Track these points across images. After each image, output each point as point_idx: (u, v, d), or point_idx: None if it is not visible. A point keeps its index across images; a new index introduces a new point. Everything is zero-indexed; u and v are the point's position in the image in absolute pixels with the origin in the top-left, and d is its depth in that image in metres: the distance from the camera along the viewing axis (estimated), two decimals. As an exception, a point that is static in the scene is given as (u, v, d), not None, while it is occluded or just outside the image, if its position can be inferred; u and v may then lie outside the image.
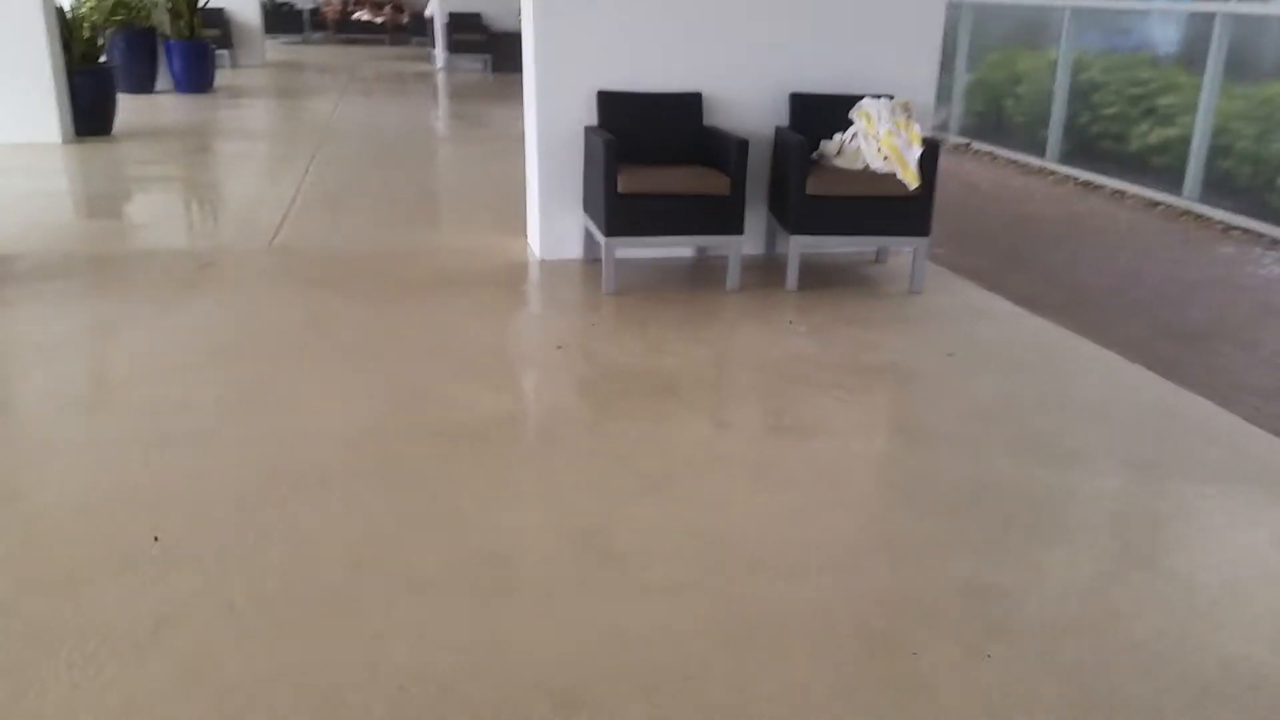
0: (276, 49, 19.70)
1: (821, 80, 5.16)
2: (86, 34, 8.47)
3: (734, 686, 2.02)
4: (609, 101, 4.94)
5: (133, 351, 3.79)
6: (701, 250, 5.34)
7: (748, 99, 5.15)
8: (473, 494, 2.79)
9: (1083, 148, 8.08)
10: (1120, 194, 7.36)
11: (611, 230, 4.58)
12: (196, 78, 11.87)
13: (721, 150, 4.76)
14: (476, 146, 9.36)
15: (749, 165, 4.98)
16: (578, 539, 2.56)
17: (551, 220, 5.14)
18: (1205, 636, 2.24)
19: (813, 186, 4.68)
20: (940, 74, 9.78)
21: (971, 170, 8.60)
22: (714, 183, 4.63)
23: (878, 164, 4.77)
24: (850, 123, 4.96)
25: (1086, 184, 7.73)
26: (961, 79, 9.82)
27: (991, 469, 3.04)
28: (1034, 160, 8.45)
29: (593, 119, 4.97)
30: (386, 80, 15.17)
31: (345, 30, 22.31)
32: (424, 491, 2.80)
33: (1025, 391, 3.68)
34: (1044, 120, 8.40)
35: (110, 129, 8.65)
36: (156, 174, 7.35)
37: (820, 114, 5.06)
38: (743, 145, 4.62)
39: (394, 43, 22.43)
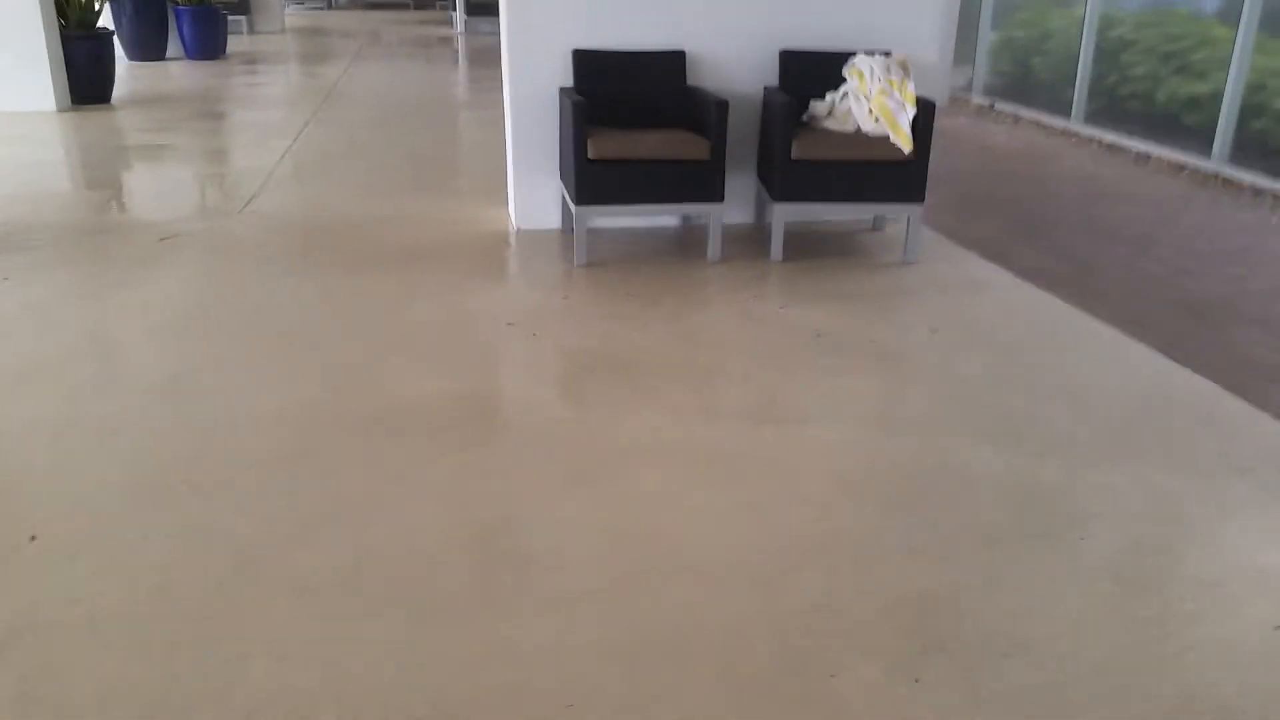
0: (300, 14, 19.59)
1: (815, 36, 4.85)
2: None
3: (620, 714, 1.80)
4: (584, 60, 4.67)
5: (67, 330, 3.62)
6: (687, 219, 5.07)
7: (735, 57, 4.86)
8: (385, 487, 2.58)
9: (1109, 109, 7.65)
10: (1145, 157, 6.95)
11: (581, 198, 4.33)
12: (207, 44, 11.72)
13: (703, 112, 4.48)
14: (482, 112, 9.10)
15: (736, 128, 4.75)
16: (484, 539, 2.35)
17: (528, 188, 4.90)
18: (1171, 659, 1.98)
19: (798, 150, 4.39)
20: (964, 32, 9.37)
21: (992, 132, 8.20)
22: (691, 147, 4.35)
23: (869, 126, 4.47)
24: (843, 81, 4.66)
25: (1111, 146, 7.31)
26: (986, 37, 9.37)
27: (956, 459, 2.78)
28: (1058, 122, 8.02)
29: (568, 80, 4.71)
30: (403, 44, 14.95)
31: (370, -5, 22.07)
32: (334, 484, 2.60)
33: (1010, 372, 3.40)
34: (1070, 80, 7.97)
35: (109, 96, 8.52)
36: (147, 142, 7.20)
37: (812, 72, 4.76)
38: (721, 106, 4.33)
39: (419, 6, 22.18)
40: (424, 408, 3.03)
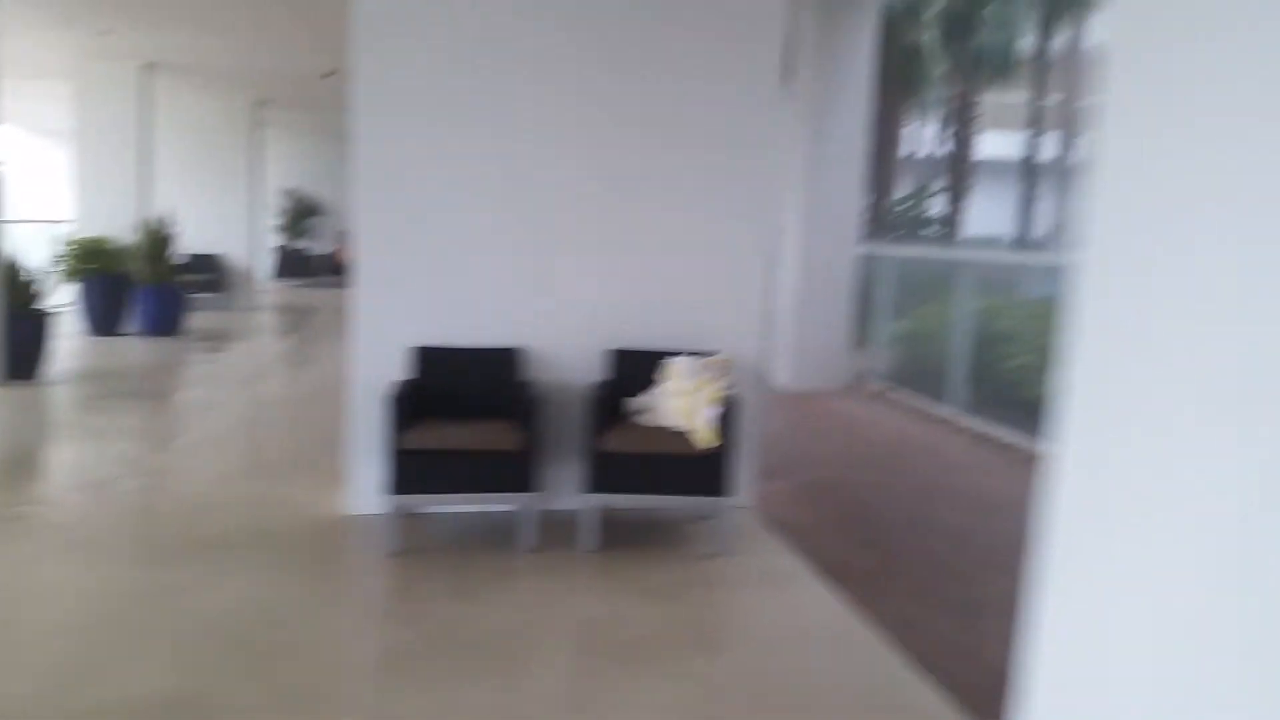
0: (284, 291, 20.64)
1: (646, 336, 5.16)
2: (27, 282, 8.86)
3: None
4: (423, 356, 4.95)
5: None
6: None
7: (571, 353, 5.15)
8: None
9: (985, 398, 7.94)
10: (1011, 447, 7.14)
11: (391, 486, 4.47)
12: (164, 321, 12.30)
13: (525, 405, 4.70)
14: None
15: (569, 420, 4.96)
16: None
17: (361, 473, 5.03)
18: None
19: (607, 443, 4.57)
20: (865, 321, 9.88)
21: (876, 417, 8.43)
22: (502, 438, 4.53)
23: (676, 421, 4.67)
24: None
25: (982, 435, 7.53)
26: (886, 326, 9.88)
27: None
28: (941, 409, 8.30)
29: (409, 372, 4.96)
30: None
31: (355, 273, 23.43)
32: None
33: (746, 677, 3.38)
34: (953, 370, 8.32)
35: (40, 373, 8.89)
36: (56, 419, 7.46)
37: (639, 369, 5.01)
38: (532, 402, 4.57)
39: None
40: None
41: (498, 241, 5.07)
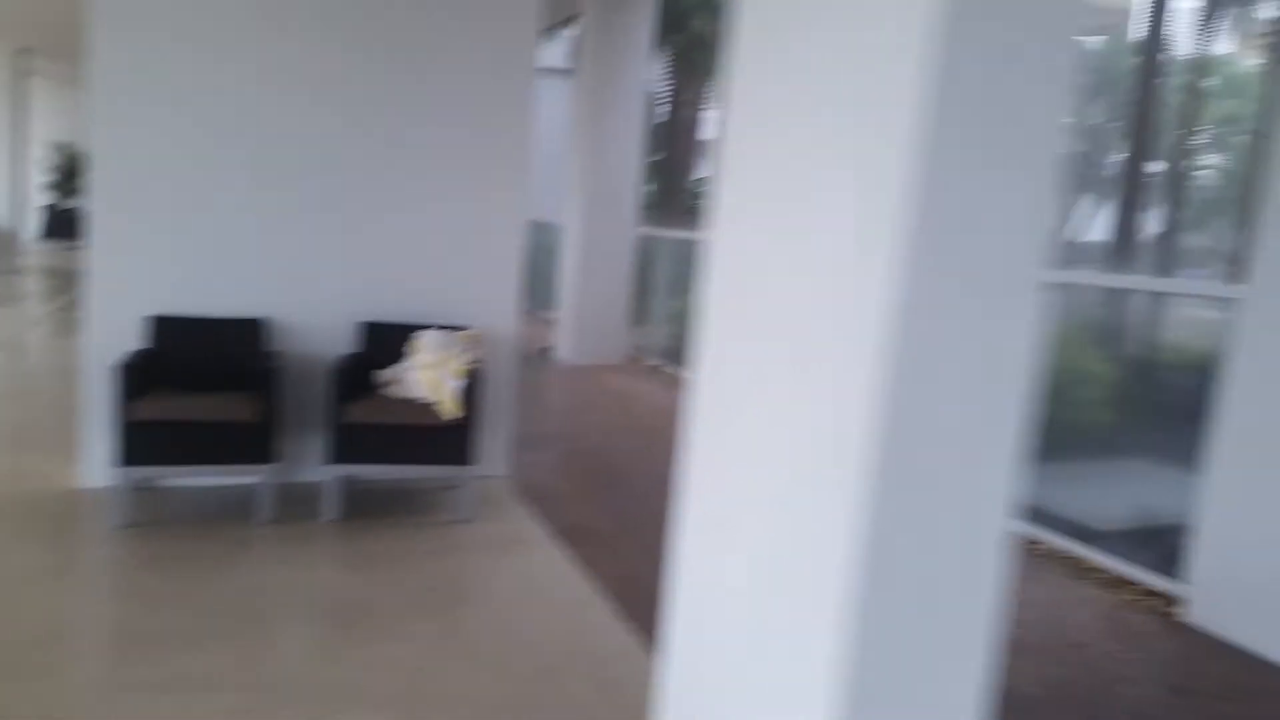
0: (52, 253, 19.27)
1: (398, 310, 5.20)
2: None
3: None
4: (159, 326, 4.81)
5: None
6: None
7: (320, 326, 5.12)
8: None
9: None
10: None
11: (121, 459, 4.35)
12: (-98, 283, 11.32)
13: (265, 376, 4.66)
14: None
15: (318, 392, 4.94)
16: None
17: (94, 445, 4.86)
18: None
19: (351, 414, 4.60)
20: (644, 300, 10.20)
21: (644, 392, 8.76)
22: (239, 410, 4.48)
23: (423, 393, 4.75)
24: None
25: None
26: (663, 305, 10.24)
27: (333, 731, 2.82)
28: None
29: (144, 342, 4.82)
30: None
31: (135, 238, 22.07)
32: None
33: (463, 634, 3.53)
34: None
35: None
36: None
37: (390, 342, 5.05)
38: (274, 372, 4.55)
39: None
40: None
41: (244, 208, 4.97)
